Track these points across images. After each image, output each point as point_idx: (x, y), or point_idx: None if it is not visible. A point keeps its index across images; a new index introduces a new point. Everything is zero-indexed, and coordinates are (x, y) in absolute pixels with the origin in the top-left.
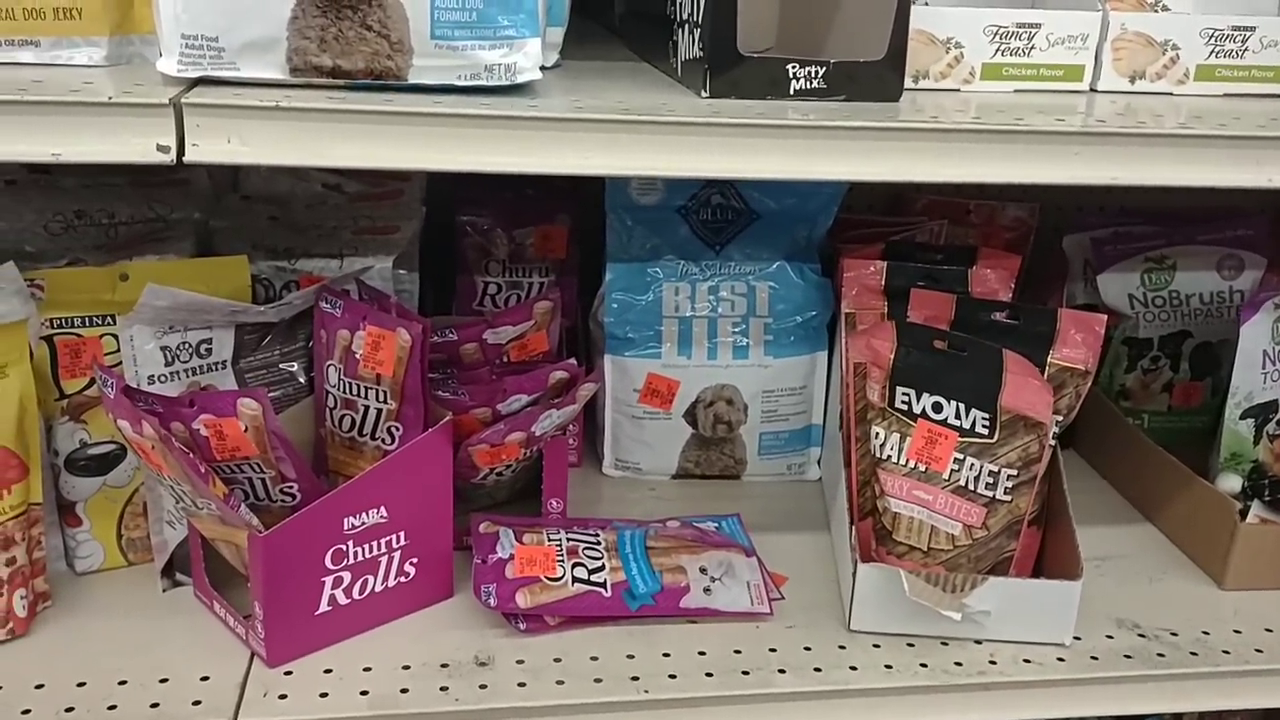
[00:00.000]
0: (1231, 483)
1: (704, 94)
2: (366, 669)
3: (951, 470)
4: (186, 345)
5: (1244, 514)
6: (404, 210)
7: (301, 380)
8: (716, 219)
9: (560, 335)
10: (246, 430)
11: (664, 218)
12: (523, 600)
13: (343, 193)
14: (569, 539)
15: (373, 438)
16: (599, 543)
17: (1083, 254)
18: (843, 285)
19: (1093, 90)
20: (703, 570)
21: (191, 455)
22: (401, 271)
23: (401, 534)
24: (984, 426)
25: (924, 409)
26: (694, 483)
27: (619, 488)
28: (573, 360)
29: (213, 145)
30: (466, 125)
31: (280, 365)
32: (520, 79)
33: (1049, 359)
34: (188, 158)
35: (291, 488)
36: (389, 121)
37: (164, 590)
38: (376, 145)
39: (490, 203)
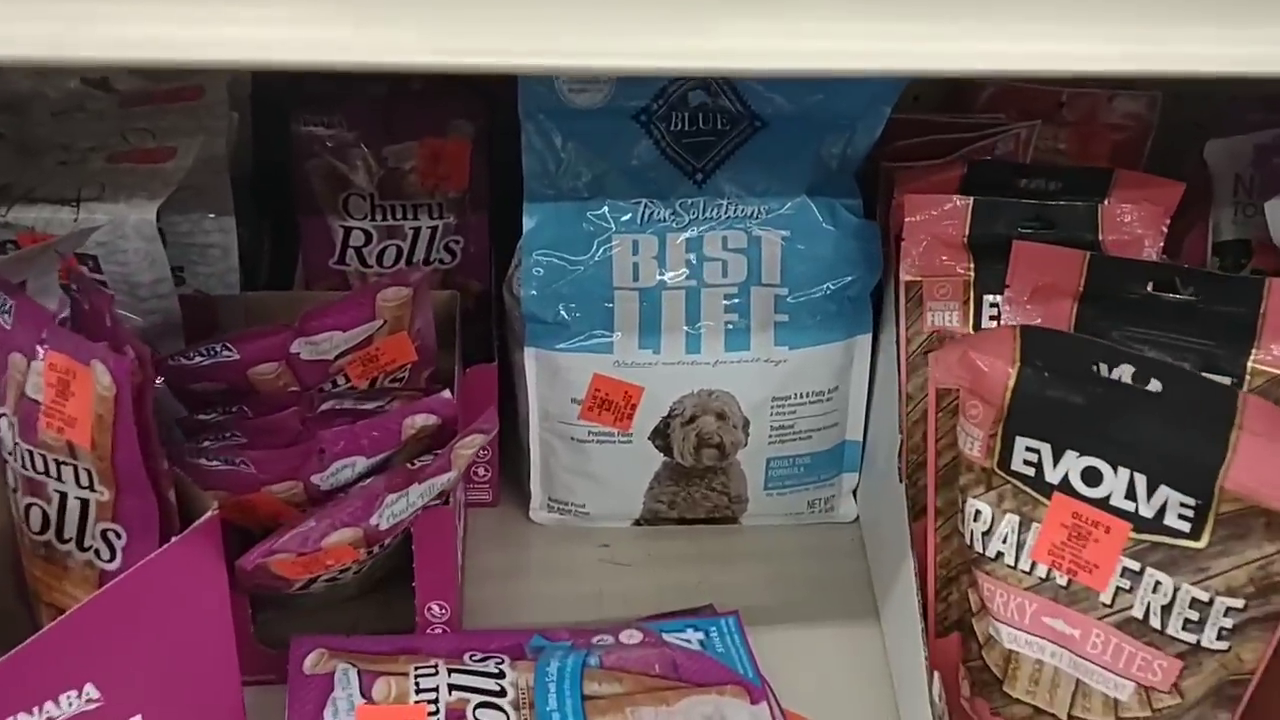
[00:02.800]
0: None
1: None
2: None
3: (1118, 589)
4: None
5: None
6: (198, 120)
7: None
8: (698, 130)
9: (451, 331)
10: None
11: (615, 129)
12: None
13: (111, 91)
14: (453, 682)
15: (81, 547)
16: (502, 690)
17: (1235, 166)
18: (902, 235)
19: None
20: None
21: None
22: (209, 217)
23: None
24: (1184, 519)
25: (1066, 477)
26: (668, 533)
27: (553, 544)
28: (446, 392)
29: None
30: None
31: None
32: None
33: (1249, 362)
34: None
35: None
36: None
37: None
38: None
39: (346, 104)
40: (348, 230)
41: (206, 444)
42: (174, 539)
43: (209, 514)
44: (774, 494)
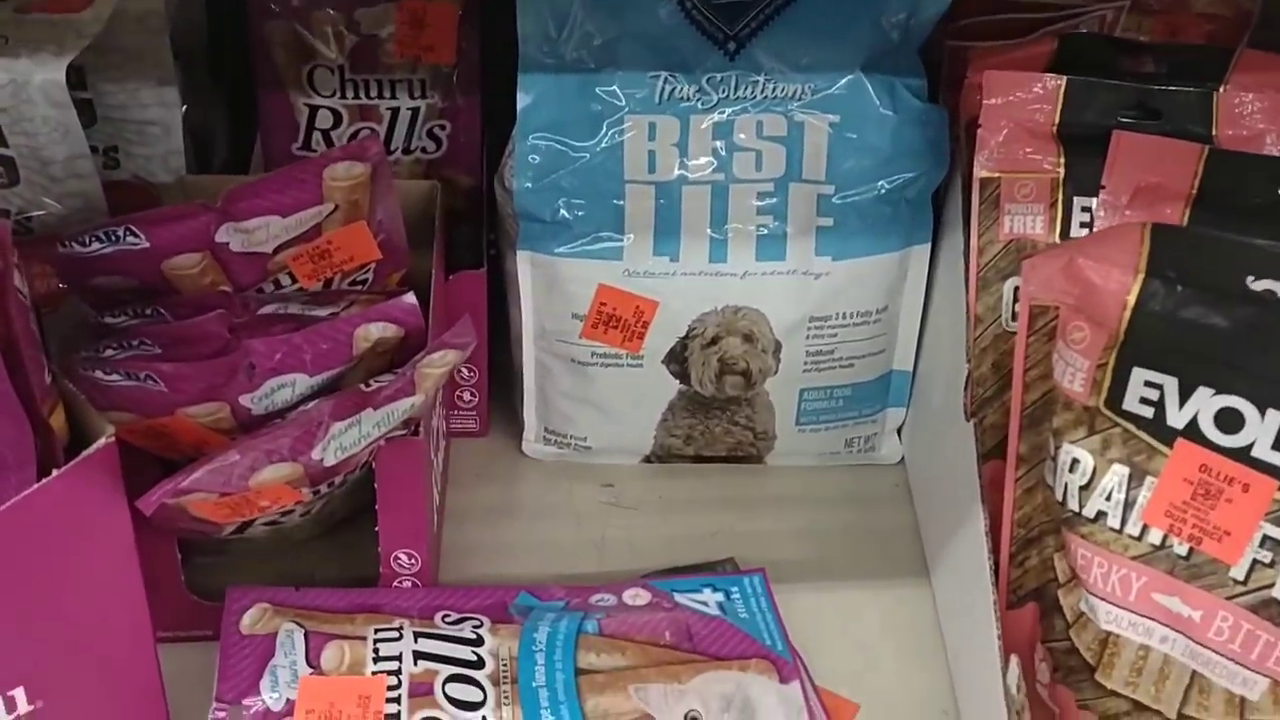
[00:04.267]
0: None
1: None
2: None
3: (1255, 563)
4: None
5: None
6: None
7: None
8: None
9: (429, 229)
10: None
11: None
12: None
13: None
14: (420, 649)
15: None
16: (479, 660)
17: None
18: (980, 121)
19: None
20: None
21: None
22: (146, 86)
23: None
24: None
25: (1195, 421)
26: (682, 472)
27: (548, 482)
28: (409, 296)
29: None
30: None
31: None
32: None
33: None
34: None
35: None
36: None
37: None
38: None
39: None
40: (313, 109)
41: (109, 353)
42: (57, 471)
43: (102, 440)
44: (807, 430)
